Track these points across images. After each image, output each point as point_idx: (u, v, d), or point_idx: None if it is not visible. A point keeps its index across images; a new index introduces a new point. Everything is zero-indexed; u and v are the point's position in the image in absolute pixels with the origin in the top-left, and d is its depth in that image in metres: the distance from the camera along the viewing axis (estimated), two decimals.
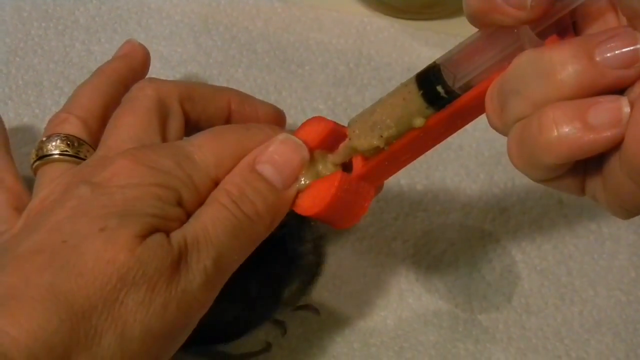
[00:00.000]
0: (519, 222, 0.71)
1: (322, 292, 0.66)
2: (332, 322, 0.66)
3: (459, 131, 0.50)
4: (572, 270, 0.69)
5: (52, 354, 0.43)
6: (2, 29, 0.75)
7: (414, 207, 0.71)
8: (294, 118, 0.74)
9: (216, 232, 0.49)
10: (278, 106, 0.73)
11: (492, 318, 0.67)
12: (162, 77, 0.74)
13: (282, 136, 0.53)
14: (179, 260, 0.48)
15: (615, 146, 0.41)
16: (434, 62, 0.47)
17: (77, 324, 0.44)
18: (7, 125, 0.70)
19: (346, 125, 0.52)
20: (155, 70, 0.74)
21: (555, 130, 0.41)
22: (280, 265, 0.59)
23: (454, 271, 0.68)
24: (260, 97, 0.74)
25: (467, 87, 0.46)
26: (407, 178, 0.71)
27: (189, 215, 0.50)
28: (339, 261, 0.68)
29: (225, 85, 0.75)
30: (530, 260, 0.69)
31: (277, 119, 0.62)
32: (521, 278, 0.68)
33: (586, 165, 0.44)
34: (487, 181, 0.72)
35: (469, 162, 0.73)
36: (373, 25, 0.79)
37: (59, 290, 0.45)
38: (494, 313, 0.67)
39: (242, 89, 0.74)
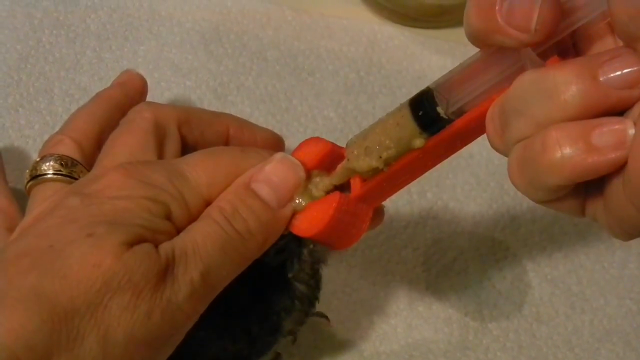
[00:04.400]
0: (530, 230, 0.71)
1: (332, 300, 0.66)
2: (342, 329, 0.66)
3: None
4: (582, 279, 0.69)
5: (32, 353, 0.43)
6: (14, 36, 0.76)
7: (424, 215, 0.71)
8: (304, 126, 0.74)
9: (205, 246, 0.49)
10: (288, 114, 0.73)
11: (503, 327, 0.67)
12: (173, 85, 0.74)
13: (279, 155, 0.53)
14: (166, 270, 0.47)
15: (619, 168, 0.40)
16: (427, 87, 0.47)
17: (59, 325, 0.44)
18: (19, 133, 0.71)
19: (345, 145, 0.52)
20: (166, 78, 0.75)
21: (559, 151, 0.40)
22: (279, 296, 0.58)
23: (464, 279, 0.68)
24: (271, 105, 0.74)
25: (461, 112, 0.46)
26: (417, 186, 0.71)
27: (178, 230, 0.50)
28: (349, 269, 0.68)
29: (236, 93, 0.75)
30: (541, 269, 0.69)
31: (276, 145, 0.63)
32: (532, 287, 0.68)
33: (587, 187, 0.43)
34: (497, 189, 0.72)
35: (479, 170, 0.73)
36: (383, 33, 0.80)
37: (42, 291, 0.45)
38: (505, 322, 0.67)
39: (252, 97, 0.75)
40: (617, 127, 0.40)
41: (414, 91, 0.48)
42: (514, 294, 0.68)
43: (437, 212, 0.71)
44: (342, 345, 0.65)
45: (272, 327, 0.58)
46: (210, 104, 0.74)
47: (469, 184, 0.72)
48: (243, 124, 0.61)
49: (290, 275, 0.57)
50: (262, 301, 0.57)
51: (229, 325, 0.56)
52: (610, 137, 0.40)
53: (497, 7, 0.42)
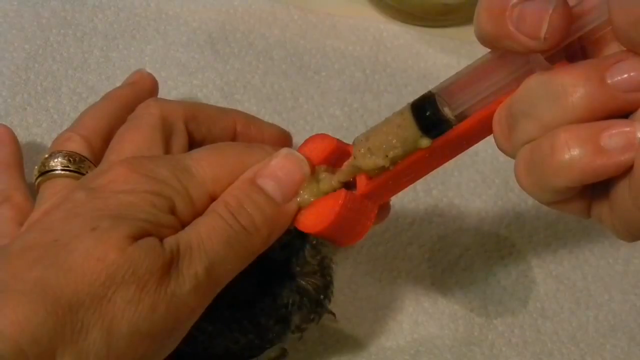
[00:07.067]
0: (535, 227, 0.71)
1: (339, 296, 0.66)
2: (348, 325, 0.66)
3: None
4: (587, 275, 0.69)
5: (37, 345, 0.43)
6: (21, 35, 0.76)
7: (429, 212, 0.71)
8: (310, 124, 0.74)
9: (210, 240, 0.49)
10: (295, 112, 0.73)
11: (508, 322, 0.67)
12: (180, 84, 0.75)
13: (284, 151, 0.53)
14: (170, 264, 0.48)
15: (626, 171, 0.40)
16: (430, 91, 0.47)
17: (63, 318, 0.44)
18: (27, 131, 0.71)
19: (352, 142, 0.52)
20: (173, 77, 0.75)
21: (568, 153, 0.41)
22: (286, 290, 0.59)
23: (470, 276, 0.69)
24: (277, 104, 0.74)
25: (463, 116, 0.46)
26: (423, 183, 0.72)
27: (183, 225, 0.50)
28: (355, 266, 0.68)
29: (242, 91, 0.75)
30: (546, 265, 0.69)
31: (283, 141, 0.63)
32: (537, 283, 0.69)
33: (593, 189, 0.43)
34: (502, 186, 0.72)
35: (484, 167, 0.73)
36: (389, 32, 0.80)
37: (47, 284, 0.45)
38: (510, 317, 0.67)
39: (259, 96, 0.75)
40: (626, 129, 0.40)
41: (420, 89, 0.48)
42: (519, 290, 0.68)
43: (442, 209, 0.71)
44: (348, 341, 0.65)
45: (280, 318, 0.58)
46: (217, 102, 0.74)
47: (474, 181, 0.73)
48: (250, 120, 0.62)
49: (294, 270, 0.57)
50: (269, 293, 0.57)
51: (238, 318, 0.57)
52: (620, 139, 0.40)
53: (507, 13, 0.42)
